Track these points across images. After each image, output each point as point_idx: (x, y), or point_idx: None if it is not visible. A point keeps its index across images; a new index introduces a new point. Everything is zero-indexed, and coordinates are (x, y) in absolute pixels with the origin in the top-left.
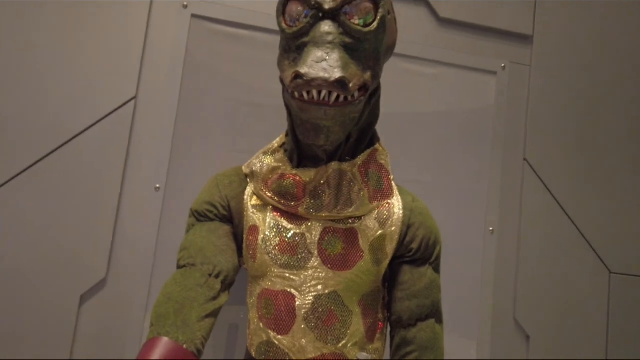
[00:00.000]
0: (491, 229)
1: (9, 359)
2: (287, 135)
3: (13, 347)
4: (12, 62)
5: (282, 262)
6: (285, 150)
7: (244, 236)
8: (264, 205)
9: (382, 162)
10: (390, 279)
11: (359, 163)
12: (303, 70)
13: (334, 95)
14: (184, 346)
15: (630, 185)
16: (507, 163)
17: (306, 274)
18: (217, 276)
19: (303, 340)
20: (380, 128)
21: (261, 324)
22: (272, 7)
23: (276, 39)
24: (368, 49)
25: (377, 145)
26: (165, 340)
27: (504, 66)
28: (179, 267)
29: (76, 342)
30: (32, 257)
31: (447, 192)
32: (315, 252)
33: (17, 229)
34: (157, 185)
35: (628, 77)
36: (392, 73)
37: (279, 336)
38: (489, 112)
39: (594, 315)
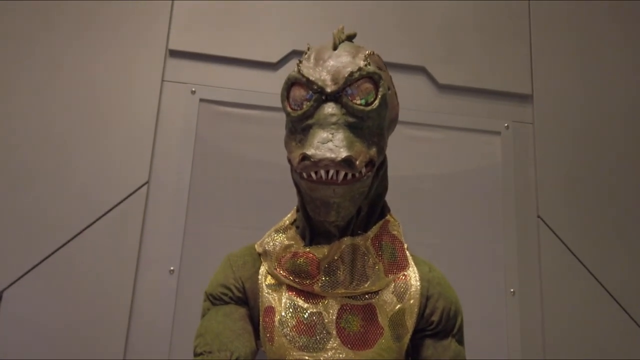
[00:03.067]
0: (512, 290)
1: None
2: (297, 211)
3: None
4: (27, 154)
5: (301, 344)
6: (297, 227)
7: (260, 318)
8: (278, 285)
9: (395, 232)
10: (413, 355)
11: (371, 236)
12: (310, 152)
13: (342, 173)
14: None
15: None
16: (521, 221)
17: (326, 355)
18: None
19: None
20: (390, 194)
21: None
22: (275, 86)
23: (281, 115)
24: (371, 126)
25: (388, 217)
26: None
27: (507, 126)
28: (196, 354)
29: None
30: (50, 346)
31: (463, 254)
32: (334, 332)
33: (35, 317)
34: (172, 268)
35: (632, 122)
36: (398, 140)
37: None
38: (497, 171)
39: None
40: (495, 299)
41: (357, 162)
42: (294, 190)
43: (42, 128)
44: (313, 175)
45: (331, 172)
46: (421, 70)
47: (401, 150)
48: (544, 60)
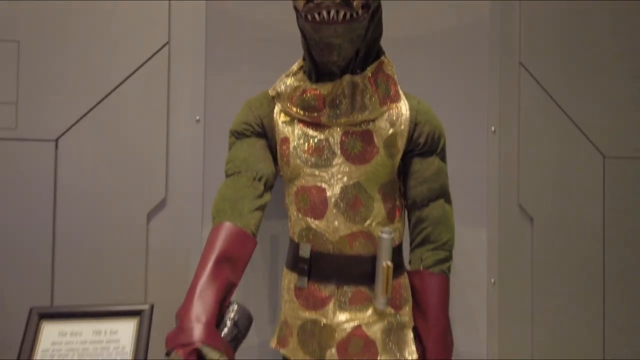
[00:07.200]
0: (493, 128)
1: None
2: (304, 59)
3: (98, 263)
4: (54, 27)
5: (312, 162)
6: (304, 71)
7: (278, 147)
8: (291, 120)
9: (389, 72)
10: (404, 172)
11: (368, 74)
12: None
13: (342, 13)
14: (242, 229)
15: (621, 73)
16: (503, 68)
17: (333, 170)
18: (259, 179)
19: (335, 222)
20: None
21: (300, 215)
22: None
23: None
24: None
25: (382, 58)
26: (227, 224)
27: None
28: (227, 176)
29: (149, 254)
30: (104, 185)
31: (450, 99)
32: (339, 152)
33: (88, 165)
34: (198, 118)
35: None
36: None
37: (316, 221)
38: (484, 25)
39: (591, 195)
40: (478, 136)
41: (354, 3)
42: (296, 49)
43: (66, 5)
44: (316, 16)
45: (332, 12)
46: None
47: (391, 8)
48: None
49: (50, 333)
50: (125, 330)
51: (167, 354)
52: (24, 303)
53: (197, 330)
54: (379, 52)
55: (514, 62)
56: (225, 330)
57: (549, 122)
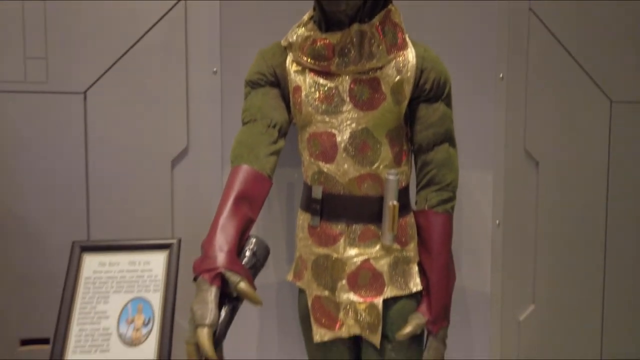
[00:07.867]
0: (501, 75)
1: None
2: (314, 9)
3: (128, 205)
4: None
5: (322, 109)
6: (314, 21)
7: (290, 95)
8: (302, 70)
9: (396, 20)
10: (410, 117)
11: (376, 23)
12: None
13: None
14: (259, 171)
15: (630, 18)
16: (513, 14)
17: (342, 116)
18: (274, 126)
19: (345, 165)
20: None
21: (312, 159)
22: None
23: None
24: None
25: (390, 6)
26: (245, 167)
27: None
28: (244, 123)
29: (174, 197)
30: (131, 135)
31: (458, 46)
32: (347, 99)
33: (115, 116)
34: (215, 69)
35: None
36: None
37: (327, 165)
38: None
39: (597, 140)
40: (484, 83)
41: None
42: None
43: None
44: None
45: None
46: None
47: None
48: None
49: (91, 263)
50: (157, 261)
51: (194, 279)
52: (65, 239)
53: (220, 258)
54: (387, 1)
55: (523, 7)
56: (245, 259)
57: (556, 67)
